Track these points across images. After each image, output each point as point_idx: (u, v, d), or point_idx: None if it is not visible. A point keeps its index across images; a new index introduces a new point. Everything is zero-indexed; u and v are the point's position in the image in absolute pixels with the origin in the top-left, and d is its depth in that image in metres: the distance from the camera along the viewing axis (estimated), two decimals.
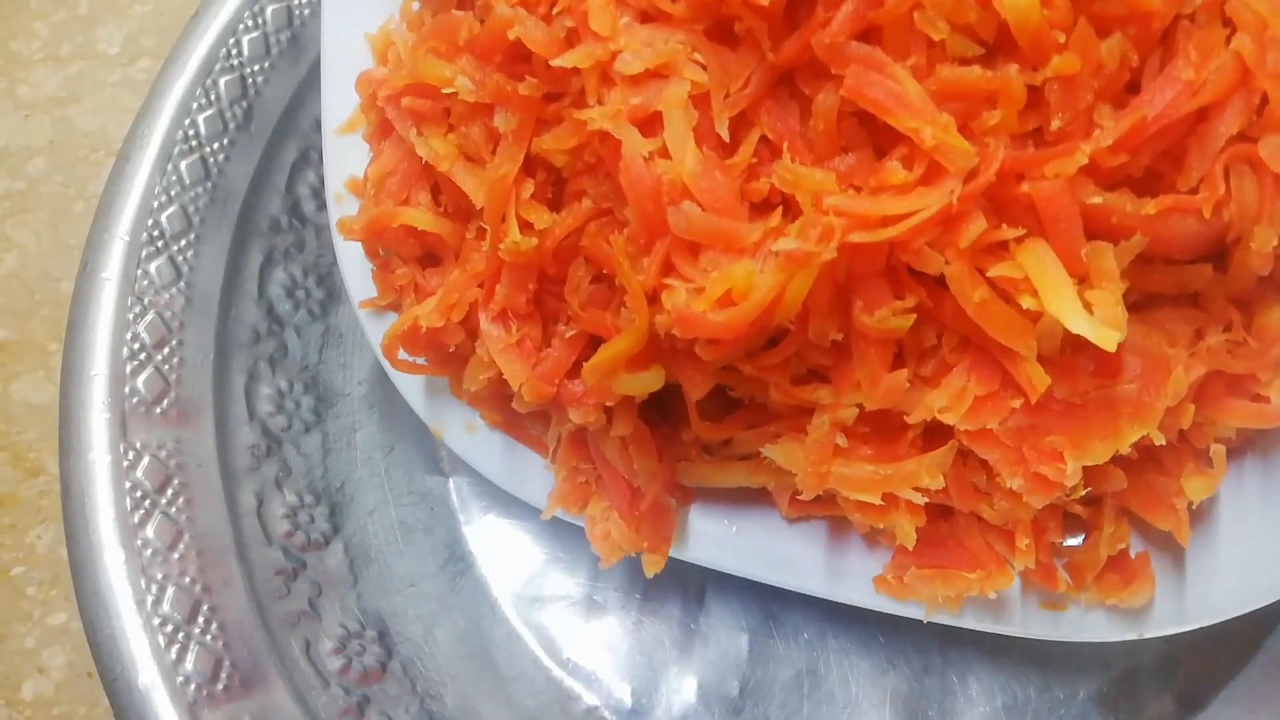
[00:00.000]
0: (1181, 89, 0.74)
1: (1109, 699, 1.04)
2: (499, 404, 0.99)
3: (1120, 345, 0.75)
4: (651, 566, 0.94)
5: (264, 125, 1.16)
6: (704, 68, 0.78)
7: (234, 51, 1.13)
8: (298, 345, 1.17)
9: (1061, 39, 0.73)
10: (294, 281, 1.18)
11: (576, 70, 0.80)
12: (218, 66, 1.12)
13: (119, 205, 1.07)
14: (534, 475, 1.02)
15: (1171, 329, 0.83)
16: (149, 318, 1.04)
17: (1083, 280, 0.76)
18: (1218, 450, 0.86)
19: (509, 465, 1.03)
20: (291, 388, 1.15)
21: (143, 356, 1.03)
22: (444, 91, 0.86)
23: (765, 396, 0.88)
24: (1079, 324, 0.72)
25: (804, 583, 0.97)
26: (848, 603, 0.97)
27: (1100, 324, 0.72)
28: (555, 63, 0.79)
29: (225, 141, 1.12)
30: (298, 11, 1.16)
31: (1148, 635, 0.91)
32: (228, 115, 1.13)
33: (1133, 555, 0.92)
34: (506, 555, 1.14)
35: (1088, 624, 0.93)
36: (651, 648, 1.10)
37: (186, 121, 1.10)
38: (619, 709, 1.09)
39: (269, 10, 1.15)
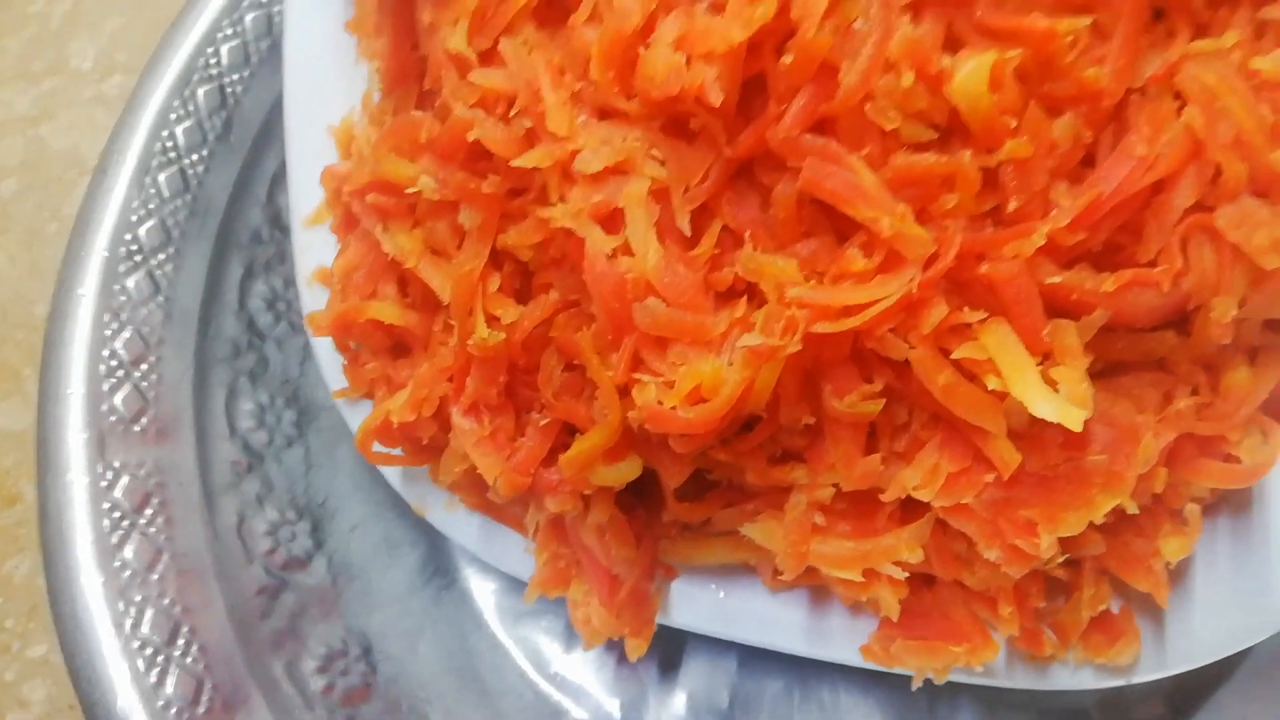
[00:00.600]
0: (1135, 165, 0.77)
1: (1100, 705, 1.08)
2: (478, 489, 1.00)
3: None
4: (634, 651, 0.96)
5: (244, 135, 1.17)
6: (662, 163, 0.81)
7: (212, 61, 1.14)
8: (279, 359, 1.18)
9: (1013, 123, 0.76)
10: (275, 294, 1.19)
11: (538, 167, 0.83)
12: (196, 76, 1.13)
13: (96, 219, 1.08)
14: (514, 547, 1.04)
15: (1139, 394, 0.86)
16: (127, 334, 1.05)
17: (1047, 357, 0.79)
18: (1192, 510, 0.88)
19: (489, 539, 1.05)
20: (273, 402, 1.17)
21: (120, 374, 1.04)
22: (407, 191, 0.89)
23: (742, 477, 0.91)
24: (1044, 408, 0.75)
25: (791, 644, 1.00)
26: (836, 662, 0.99)
27: (1065, 403, 0.75)
28: (515, 163, 0.82)
29: (204, 153, 1.14)
30: (278, 19, 1.16)
31: (1134, 681, 0.94)
32: (207, 126, 1.14)
33: (1115, 610, 0.95)
34: (491, 569, 1.15)
35: (1076, 677, 0.96)
36: (640, 661, 1.07)
37: (165, 133, 1.11)
38: None
39: (248, 18, 1.16)
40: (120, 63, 1.53)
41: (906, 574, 0.89)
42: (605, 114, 0.83)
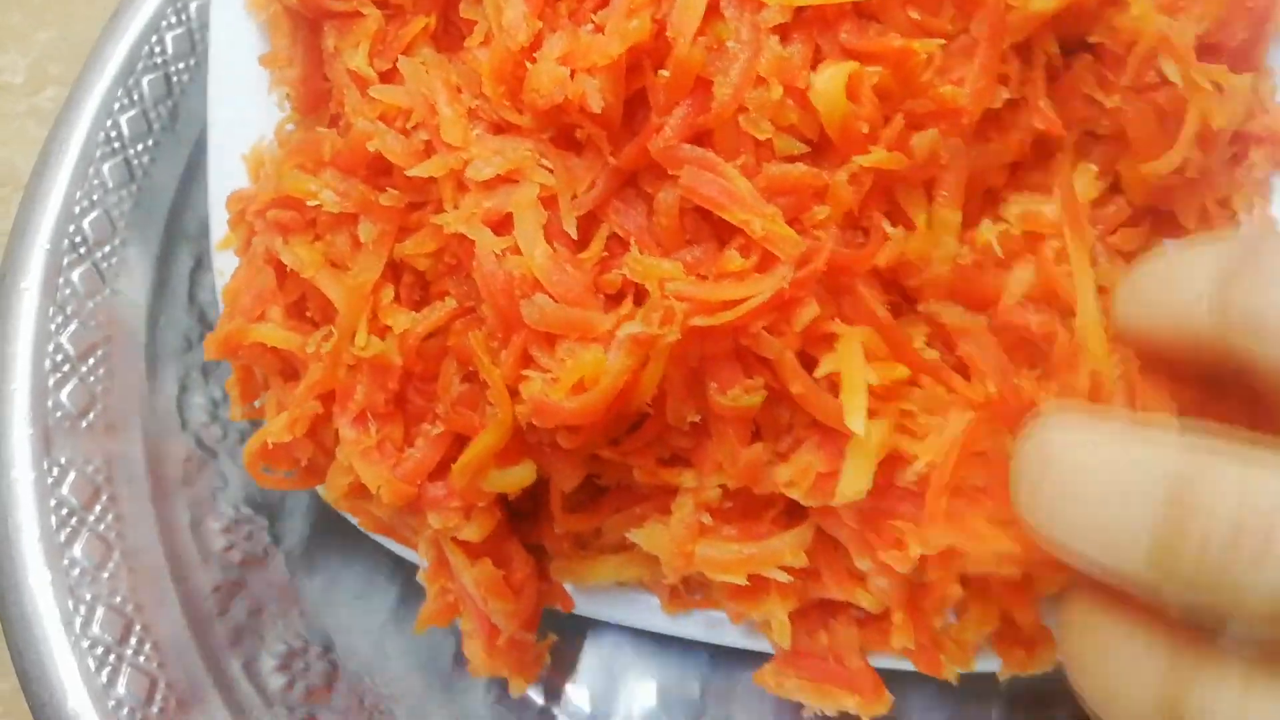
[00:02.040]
0: None
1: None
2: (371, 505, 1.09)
3: None
4: (515, 690, 1.08)
5: (190, 125, 1.29)
6: (551, 172, 0.96)
7: (157, 49, 1.27)
8: None
9: (866, 128, 0.93)
10: None
11: (435, 179, 0.98)
12: (141, 65, 1.26)
13: (38, 211, 1.19)
14: None
15: None
16: (72, 328, 1.16)
17: None
18: None
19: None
20: (225, 396, 1.24)
21: (66, 369, 1.15)
22: (309, 205, 1.02)
23: (631, 480, 1.04)
24: (855, 422, 0.92)
25: (692, 630, 1.14)
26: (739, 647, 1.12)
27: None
28: (411, 172, 0.96)
29: (150, 143, 1.26)
30: None
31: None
32: (152, 115, 1.27)
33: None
34: None
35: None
36: (610, 651, 1.24)
37: (108, 122, 1.24)
38: (577, 715, 1.24)
39: (193, 5, 1.29)
40: (54, 75, 1.67)
41: (790, 579, 1.02)
42: (499, 130, 0.99)
